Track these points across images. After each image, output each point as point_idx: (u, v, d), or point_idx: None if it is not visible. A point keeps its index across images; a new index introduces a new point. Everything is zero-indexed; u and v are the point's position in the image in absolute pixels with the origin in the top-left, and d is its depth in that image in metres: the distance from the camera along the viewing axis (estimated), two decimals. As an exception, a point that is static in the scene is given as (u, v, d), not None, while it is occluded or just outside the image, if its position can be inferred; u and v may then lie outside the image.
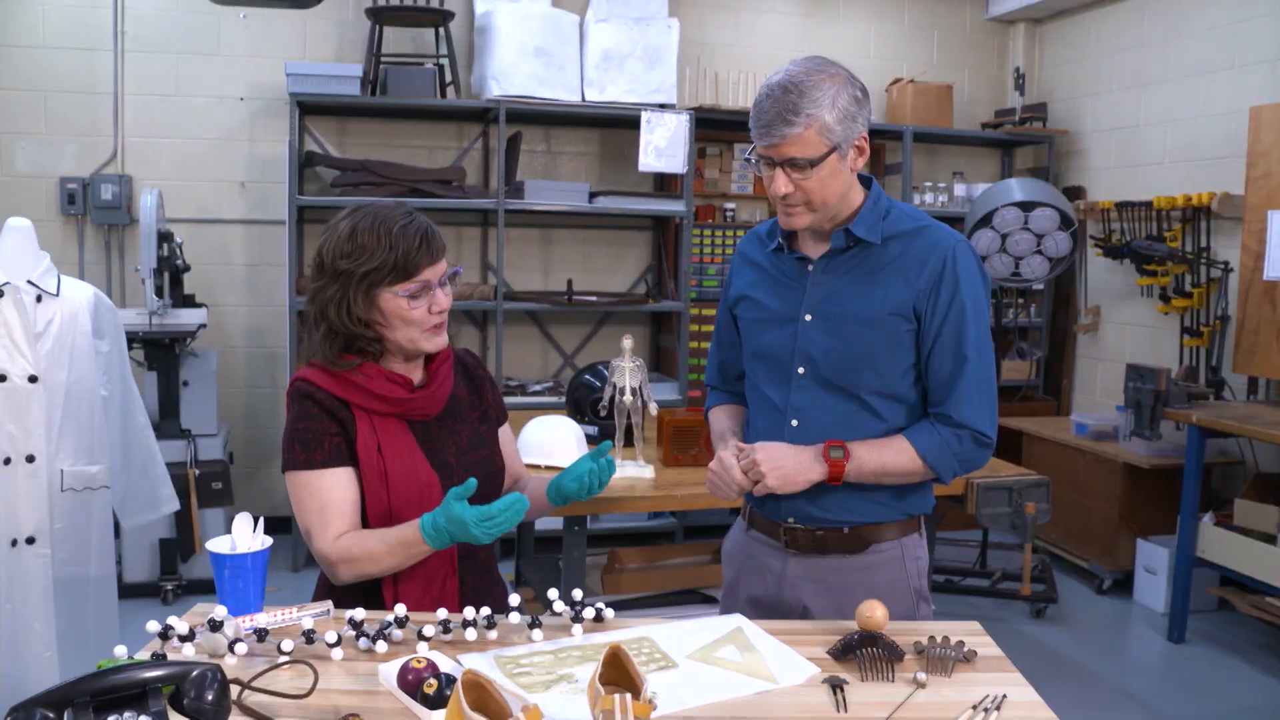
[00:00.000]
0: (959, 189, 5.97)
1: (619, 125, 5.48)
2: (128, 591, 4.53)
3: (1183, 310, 5.13)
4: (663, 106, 5.19)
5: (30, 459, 2.81)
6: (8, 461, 2.79)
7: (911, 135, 5.73)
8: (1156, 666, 4.27)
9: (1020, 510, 3.27)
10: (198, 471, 4.56)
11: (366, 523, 1.91)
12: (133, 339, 4.49)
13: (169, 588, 4.57)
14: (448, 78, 5.15)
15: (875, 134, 5.91)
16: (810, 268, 1.97)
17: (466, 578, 1.97)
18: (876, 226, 1.93)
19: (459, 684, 1.28)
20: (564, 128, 5.67)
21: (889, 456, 1.92)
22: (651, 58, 5.16)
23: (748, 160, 1.94)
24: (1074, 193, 5.90)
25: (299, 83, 4.78)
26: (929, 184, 5.99)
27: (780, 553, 2.05)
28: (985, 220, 4.66)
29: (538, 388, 5.37)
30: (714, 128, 5.62)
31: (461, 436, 2.02)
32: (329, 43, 5.31)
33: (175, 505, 3.28)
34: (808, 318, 1.96)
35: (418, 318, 1.88)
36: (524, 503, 1.79)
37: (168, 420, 4.62)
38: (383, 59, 5.10)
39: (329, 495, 1.88)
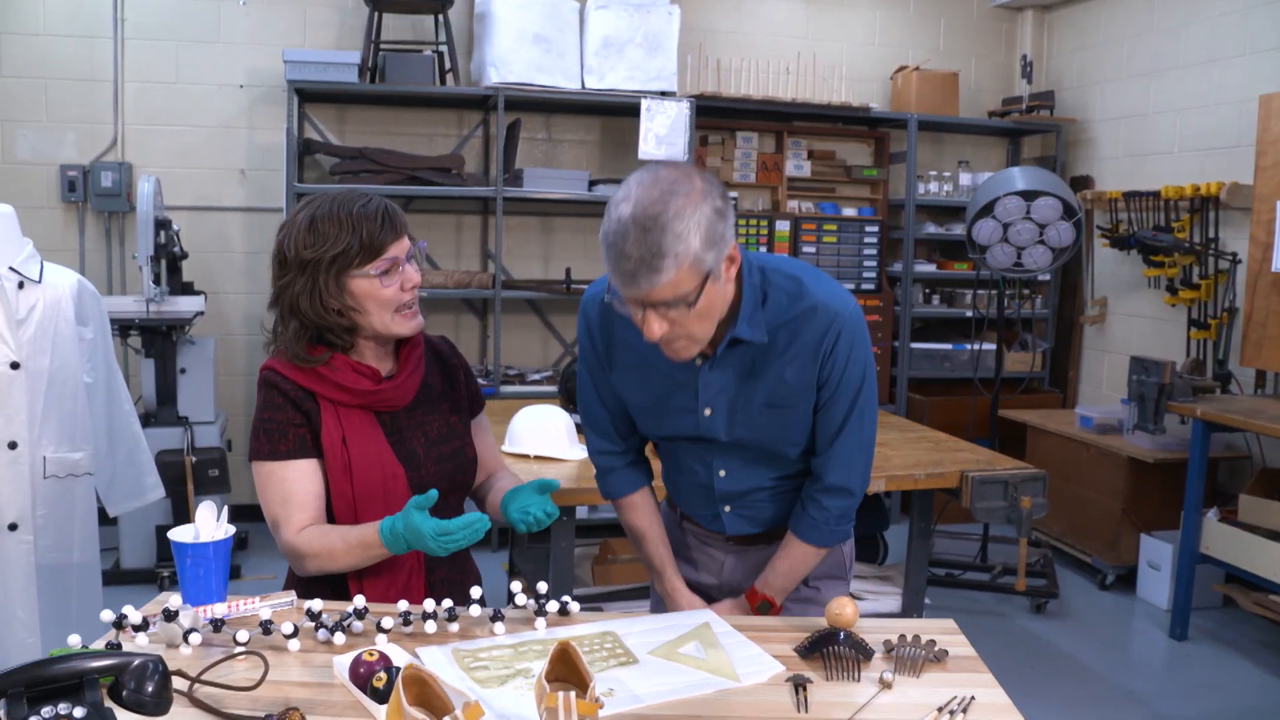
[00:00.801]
0: (964, 178, 5.91)
1: (619, 113, 5.44)
2: (125, 578, 4.54)
3: (1190, 302, 5.07)
4: (663, 94, 5.15)
5: (12, 445, 2.80)
6: (-10, 448, 2.78)
7: (916, 124, 5.68)
8: (1158, 664, 4.22)
9: (1015, 504, 3.22)
10: (195, 459, 4.55)
11: (332, 514, 1.89)
12: (130, 326, 4.49)
13: (165, 574, 4.57)
14: (447, 65, 5.11)
15: (880, 122, 5.87)
16: (698, 362, 1.83)
17: (436, 569, 1.95)
18: (758, 318, 1.78)
19: (399, 679, 1.25)
20: (564, 115, 5.63)
21: (799, 568, 1.96)
22: (652, 45, 5.12)
23: (611, 298, 1.69)
24: (1081, 182, 5.83)
25: (296, 70, 4.76)
26: (934, 173, 5.93)
27: (720, 548, 2.08)
28: (987, 209, 4.59)
29: (536, 376, 5.35)
30: (716, 115, 5.58)
31: (431, 428, 1.99)
32: (329, 30, 5.28)
33: (160, 492, 3.26)
34: (707, 412, 1.87)
35: (390, 297, 1.85)
36: (484, 523, 1.74)
37: (165, 407, 4.62)
38: (382, 46, 5.08)
39: (292, 487, 1.86)
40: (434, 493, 1.75)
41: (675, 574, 2.05)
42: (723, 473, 1.95)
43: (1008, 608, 4.64)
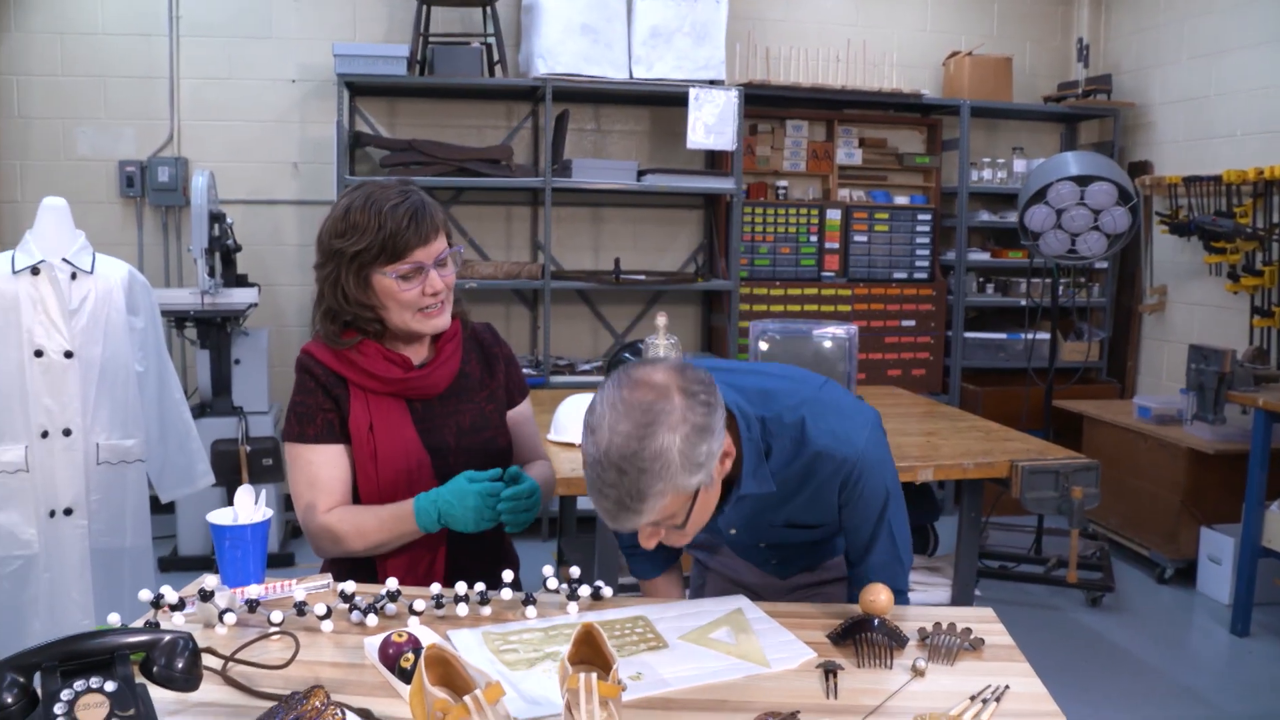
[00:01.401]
0: (1018, 165, 5.81)
1: (668, 102, 5.42)
2: (182, 564, 4.63)
3: (1253, 289, 4.94)
4: (712, 83, 5.12)
5: (67, 432, 2.87)
6: (45, 435, 2.85)
7: (969, 110, 5.59)
8: (1218, 660, 4.12)
9: (1067, 494, 3.16)
10: (249, 448, 4.62)
11: (358, 501, 1.91)
12: (185, 318, 4.57)
13: (221, 562, 4.65)
14: (495, 56, 5.13)
15: (933, 109, 5.79)
16: None
17: (460, 557, 1.94)
18: (763, 472, 1.67)
19: (421, 659, 1.25)
20: (612, 105, 5.63)
21: None
22: (700, 33, 5.09)
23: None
24: (1140, 168, 5.71)
25: (346, 64, 4.81)
26: (987, 160, 5.84)
27: (761, 572, 2.06)
28: (1039, 195, 4.50)
29: (586, 366, 5.35)
30: (765, 104, 5.54)
31: (465, 417, 1.98)
32: (378, 24, 5.33)
33: (211, 479, 3.33)
34: (732, 531, 1.84)
35: (410, 299, 1.84)
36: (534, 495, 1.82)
37: (220, 397, 4.70)
38: (430, 39, 5.11)
39: (318, 471, 1.88)
40: (497, 470, 1.81)
41: None
42: (764, 544, 1.94)
43: (1062, 601, 4.56)
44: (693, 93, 4.98)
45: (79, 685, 1.21)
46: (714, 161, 5.64)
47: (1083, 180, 4.45)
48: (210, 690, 1.42)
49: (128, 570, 3.03)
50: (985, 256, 5.88)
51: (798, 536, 1.85)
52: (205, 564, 4.64)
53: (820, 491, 1.70)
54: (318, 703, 1.26)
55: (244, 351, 4.81)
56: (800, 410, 1.67)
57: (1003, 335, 5.84)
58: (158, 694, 1.31)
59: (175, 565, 4.60)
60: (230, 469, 4.44)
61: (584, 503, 3.84)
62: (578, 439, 3.06)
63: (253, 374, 4.83)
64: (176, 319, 4.56)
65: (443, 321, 1.91)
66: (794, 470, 1.68)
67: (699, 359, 1.85)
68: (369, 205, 1.80)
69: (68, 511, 2.90)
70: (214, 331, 4.66)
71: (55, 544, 2.89)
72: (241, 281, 4.80)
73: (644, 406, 1.43)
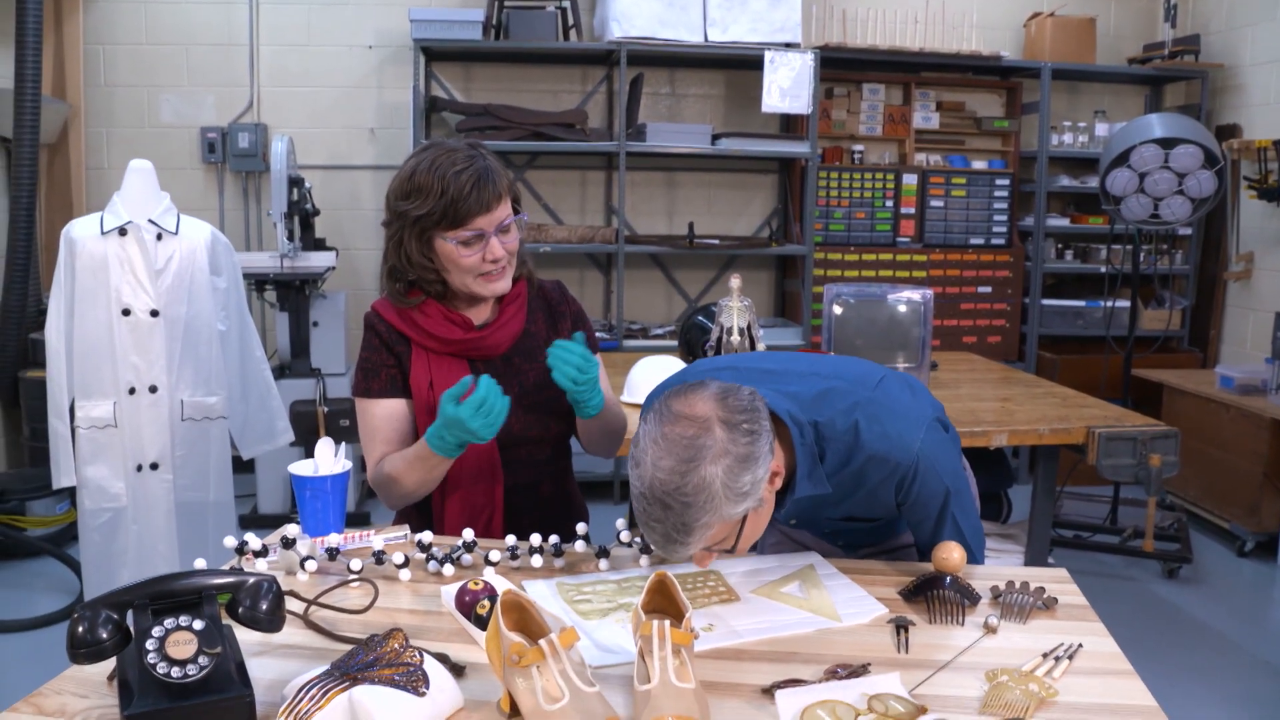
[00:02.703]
0: (1100, 129, 5.66)
1: (743, 66, 5.38)
2: (262, 522, 4.74)
3: (1346, 256, 4.78)
4: (787, 46, 5.06)
5: (153, 389, 2.96)
6: (132, 391, 2.94)
7: (1050, 72, 5.46)
8: (1299, 634, 4.03)
9: (1144, 462, 3.10)
10: (327, 409, 4.71)
11: None
12: (265, 281, 4.66)
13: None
14: (570, 21, 5.13)
15: (1012, 71, 5.67)
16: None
17: (522, 517, 1.97)
18: (818, 474, 1.66)
19: (498, 604, 1.28)
20: (687, 69, 5.59)
21: None
22: (775, -5, 5.03)
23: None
24: (1228, 131, 5.53)
25: (422, 29, 4.84)
26: (1068, 124, 5.70)
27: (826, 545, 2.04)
28: (1122, 158, 4.39)
29: (659, 331, 5.36)
30: (841, 67, 5.46)
31: (528, 376, 2.00)
32: (454, -12, 5.35)
33: (290, 436, 3.41)
34: (792, 522, 1.84)
35: (471, 264, 1.85)
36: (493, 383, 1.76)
37: (298, 359, 4.79)
38: (506, 3, 5.11)
39: (378, 423, 1.93)
40: (467, 379, 1.76)
41: None
42: (826, 531, 1.94)
43: (1138, 572, 4.48)
44: (768, 56, 4.94)
45: (169, 623, 1.26)
46: (789, 125, 5.59)
47: (1167, 143, 4.33)
48: (292, 633, 1.47)
49: (211, 524, 3.13)
50: (1065, 222, 5.76)
51: (859, 526, 1.85)
52: (285, 521, 4.74)
53: (876, 492, 1.70)
54: (396, 645, 1.29)
55: (322, 314, 4.90)
56: (854, 414, 1.66)
57: (1081, 303, 5.72)
58: (243, 634, 1.37)
59: (255, 523, 4.71)
60: (308, 429, 4.53)
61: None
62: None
63: (330, 336, 4.92)
64: (257, 282, 4.65)
65: (502, 286, 1.92)
66: (848, 473, 1.67)
67: (747, 365, 1.83)
68: (433, 169, 1.81)
69: (154, 466, 2.99)
70: (293, 294, 4.75)
71: (142, 497, 2.99)
72: (320, 245, 4.88)
73: (686, 438, 1.43)
